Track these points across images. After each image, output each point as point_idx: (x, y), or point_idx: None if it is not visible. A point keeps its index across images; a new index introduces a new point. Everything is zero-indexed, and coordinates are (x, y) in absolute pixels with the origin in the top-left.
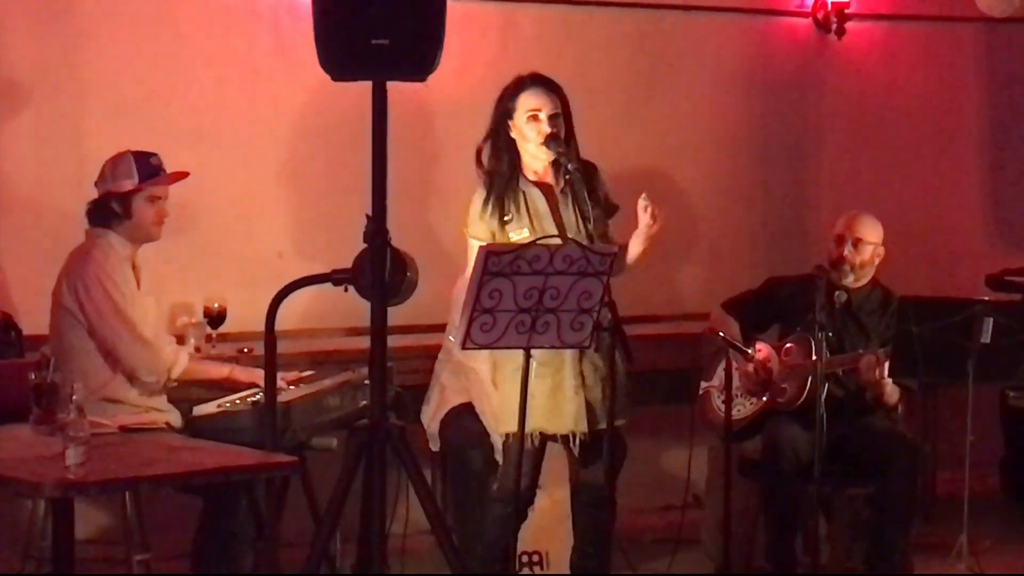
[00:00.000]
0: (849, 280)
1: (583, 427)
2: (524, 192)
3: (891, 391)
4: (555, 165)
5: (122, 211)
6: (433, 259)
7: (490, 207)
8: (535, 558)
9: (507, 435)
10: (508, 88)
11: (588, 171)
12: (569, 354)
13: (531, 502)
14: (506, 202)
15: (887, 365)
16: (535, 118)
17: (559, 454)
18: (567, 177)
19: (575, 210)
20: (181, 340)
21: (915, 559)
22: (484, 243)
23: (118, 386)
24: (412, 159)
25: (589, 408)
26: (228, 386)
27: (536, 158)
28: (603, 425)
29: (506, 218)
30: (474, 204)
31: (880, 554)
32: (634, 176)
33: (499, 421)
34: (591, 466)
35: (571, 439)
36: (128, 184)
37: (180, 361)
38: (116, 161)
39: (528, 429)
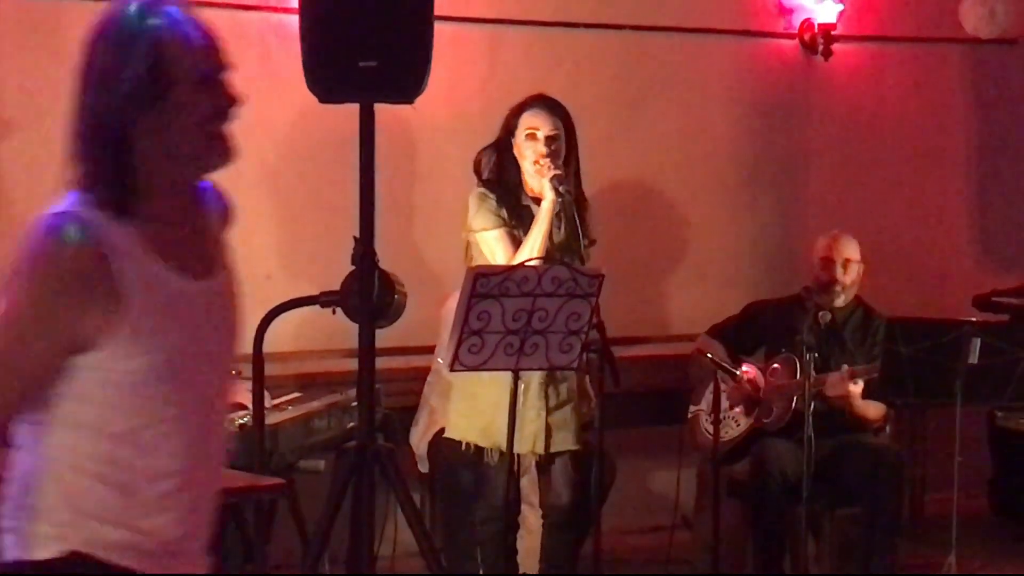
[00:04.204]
0: (840, 301)
1: (540, 448)
2: (527, 207)
3: (863, 406)
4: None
5: None
6: (421, 281)
7: (494, 202)
8: None
9: (470, 445)
10: (515, 107)
11: (580, 203)
12: (537, 376)
13: (517, 513)
14: (510, 212)
15: (860, 381)
16: (533, 137)
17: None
18: (560, 200)
19: (566, 230)
20: None
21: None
22: (496, 231)
23: None
24: (400, 181)
25: (549, 429)
26: None
27: (533, 177)
28: (562, 448)
29: (512, 222)
30: (474, 202)
31: (870, 570)
32: (621, 197)
33: (467, 430)
34: (555, 488)
35: (529, 459)
36: None
37: None
38: None
39: (488, 444)
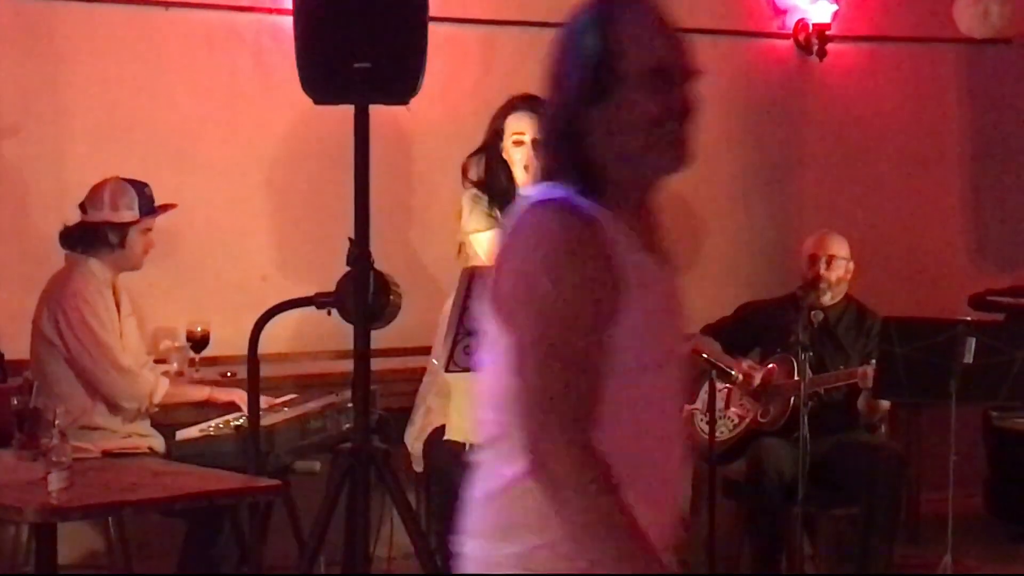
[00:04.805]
0: (827, 298)
1: None
2: None
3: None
4: None
5: (118, 241)
6: (416, 282)
7: (486, 203)
8: None
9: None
10: (500, 108)
11: None
12: None
13: None
14: (503, 213)
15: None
16: (520, 143)
17: None
18: None
19: None
20: (164, 362)
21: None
22: (491, 232)
23: (98, 414)
24: (395, 182)
25: None
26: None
27: (523, 179)
28: None
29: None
30: (467, 204)
31: (866, 569)
32: None
33: (468, 431)
34: None
35: None
36: (129, 216)
37: (160, 387)
38: (116, 190)
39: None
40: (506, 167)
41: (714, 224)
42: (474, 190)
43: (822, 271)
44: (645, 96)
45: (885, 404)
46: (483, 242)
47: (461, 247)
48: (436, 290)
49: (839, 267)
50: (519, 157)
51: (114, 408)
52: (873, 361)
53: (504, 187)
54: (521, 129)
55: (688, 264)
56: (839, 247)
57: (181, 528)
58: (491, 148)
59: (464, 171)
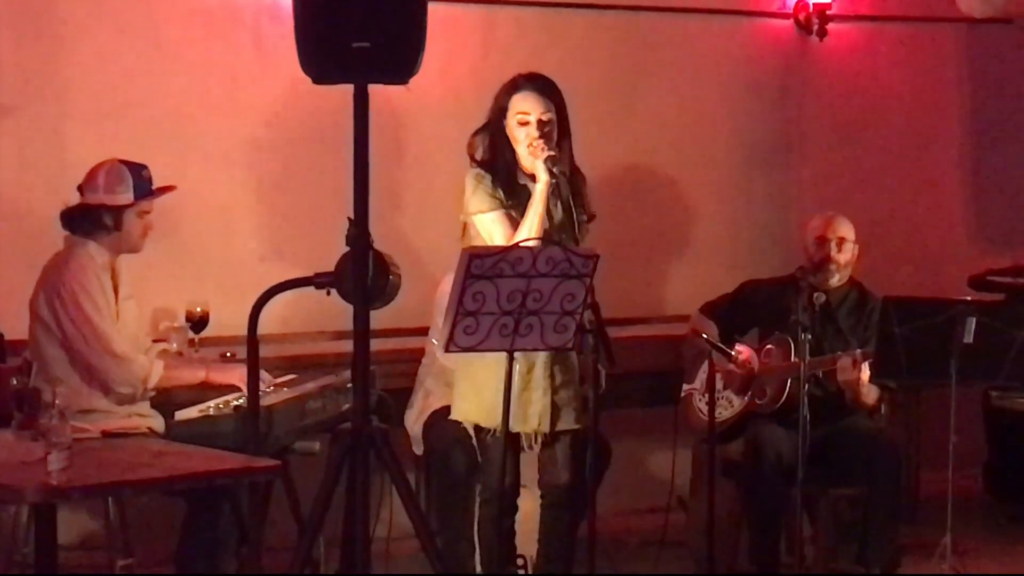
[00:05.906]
0: (835, 280)
1: (546, 427)
2: (524, 186)
3: (867, 391)
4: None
5: (113, 224)
6: (415, 262)
7: (490, 183)
8: (519, 561)
9: (475, 427)
10: (505, 86)
11: (576, 179)
12: (542, 354)
13: (517, 495)
14: (507, 193)
15: (866, 366)
16: (525, 123)
17: (535, 456)
18: (554, 180)
19: (563, 210)
20: (164, 342)
21: (899, 559)
22: (493, 213)
23: (95, 397)
24: (394, 162)
25: (554, 408)
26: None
27: (526, 158)
28: (566, 426)
29: (509, 202)
30: (470, 183)
31: (868, 554)
32: (616, 178)
33: (469, 412)
34: (555, 467)
35: (534, 438)
36: (124, 198)
37: (155, 371)
38: (111, 172)
39: (492, 424)
40: (510, 146)
41: (713, 204)
42: (478, 169)
43: (833, 254)
44: None
45: (871, 399)
46: (486, 223)
47: (465, 228)
48: (436, 270)
49: (848, 250)
50: (523, 136)
51: (110, 393)
52: (858, 352)
53: (508, 166)
54: (526, 109)
55: (686, 244)
56: (848, 230)
57: (181, 508)
58: (494, 125)
59: (470, 148)
